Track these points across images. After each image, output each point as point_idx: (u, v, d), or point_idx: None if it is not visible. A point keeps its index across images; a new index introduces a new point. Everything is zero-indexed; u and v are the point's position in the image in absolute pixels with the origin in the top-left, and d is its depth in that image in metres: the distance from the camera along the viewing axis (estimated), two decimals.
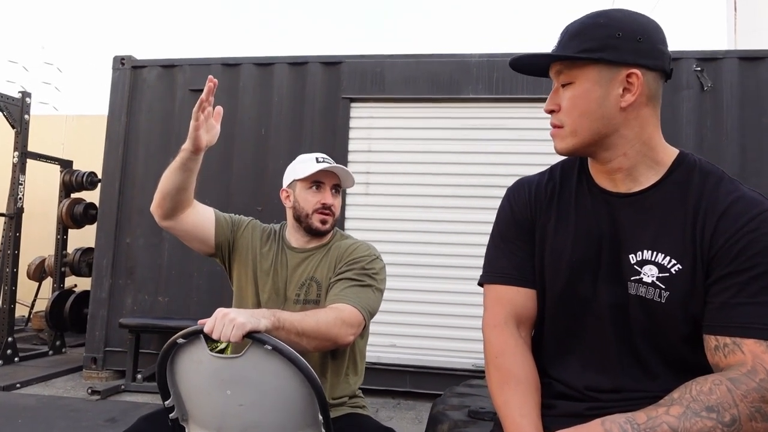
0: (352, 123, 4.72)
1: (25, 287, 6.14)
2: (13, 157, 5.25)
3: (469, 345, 4.29)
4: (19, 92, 5.34)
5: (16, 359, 5.18)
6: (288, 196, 1.77)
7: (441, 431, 1.66)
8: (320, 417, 1.30)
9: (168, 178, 1.58)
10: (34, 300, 6.42)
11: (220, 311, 1.26)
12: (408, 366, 4.43)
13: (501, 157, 4.49)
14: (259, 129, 4.82)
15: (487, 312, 1.16)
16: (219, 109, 1.59)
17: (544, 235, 1.13)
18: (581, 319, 1.09)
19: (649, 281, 1.01)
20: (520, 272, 1.14)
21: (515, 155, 4.45)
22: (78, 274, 5.84)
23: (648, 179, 1.05)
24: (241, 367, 1.29)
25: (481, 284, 1.20)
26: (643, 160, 1.04)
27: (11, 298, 5.20)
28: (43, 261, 6.27)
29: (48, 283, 6.20)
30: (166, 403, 1.40)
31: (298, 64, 4.82)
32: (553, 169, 1.19)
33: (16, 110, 5.25)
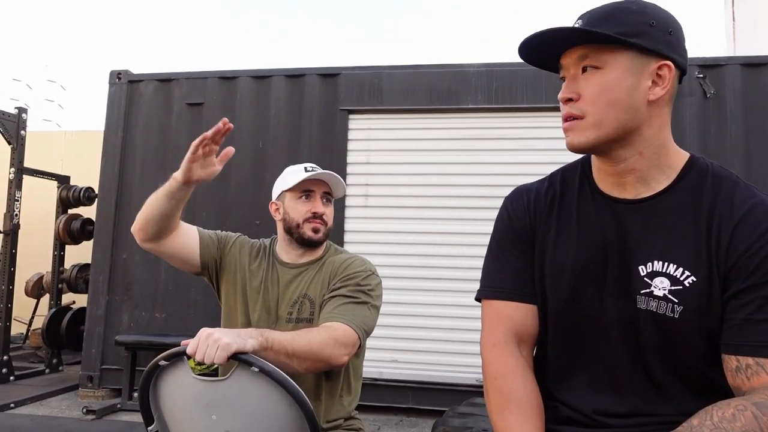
0: (351, 135, 4.67)
1: (23, 304, 6.07)
2: (9, 173, 5.21)
3: (472, 359, 4.19)
4: (15, 108, 5.31)
5: (11, 378, 5.09)
6: (277, 209, 1.70)
7: None
8: None
9: (153, 204, 1.51)
10: (32, 317, 6.35)
11: (204, 331, 1.19)
12: (410, 382, 4.33)
13: (502, 168, 4.43)
14: (257, 142, 4.77)
15: (485, 330, 1.08)
16: (229, 150, 1.47)
17: (544, 245, 1.06)
18: (587, 337, 1.01)
19: (661, 294, 0.93)
20: (519, 286, 1.07)
21: (516, 165, 4.39)
22: (75, 290, 5.77)
23: (659, 184, 0.98)
24: (226, 391, 1.21)
25: (478, 299, 1.13)
26: (657, 162, 0.97)
27: (6, 316, 5.13)
28: (41, 277, 6.21)
29: (47, 299, 6.13)
30: (150, 428, 1.33)
31: (295, 76, 4.79)
32: (552, 176, 1.12)
33: (12, 126, 5.22)
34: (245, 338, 1.20)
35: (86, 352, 4.77)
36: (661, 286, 0.94)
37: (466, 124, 4.55)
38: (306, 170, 1.65)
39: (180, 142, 4.86)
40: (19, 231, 5.26)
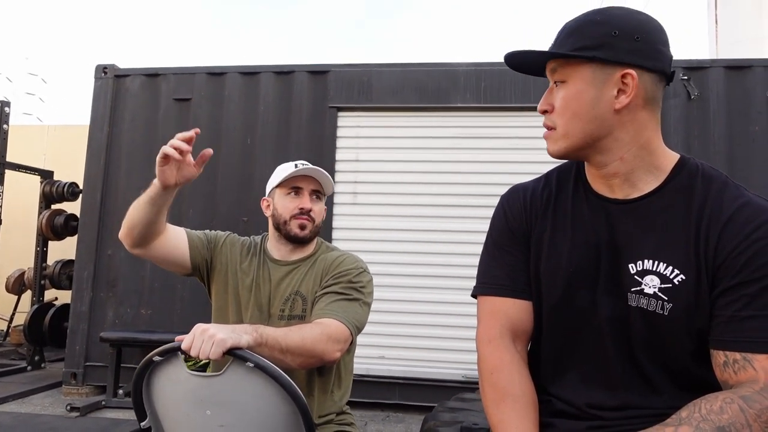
0: (340, 132, 4.67)
1: (4, 301, 5.98)
2: None
3: (458, 356, 4.24)
4: None
5: None
6: (268, 206, 1.71)
7: None
8: None
9: (137, 210, 1.49)
10: (13, 314, 6.26)
11: (198, 327, 1.20)
12: (397, 378, 4.37)
13: (489, 166, 4.46)
14: (245, 138, 4.75)
15: (481, 325, 1.10)
16: (207, 151, 1.46)
17: (540, 244, 1.08)
18: (580, 333, 1.03)
19: (651, 292, 0.96)
20: (514, 282, 1.09)
21: (504, 164, 4.43)
22: (58, 287, 5.69)
23: (648, 185, 1.00)
24: (221, 386, 1.21)
25: (474, 296, 1.15)
26: (642, 164, 0.99)
27: None
28: (23, 274, 6.12)
29: (28, 296, 6.04)
30: (143, 424, 1.33)
31: (284, 73, 4.77)
32: (549, 175, 1.14)
33: None
34: (240, 334, 1.21)
35: (70, 349, 4.71)
36: (651, 284, 0.96)
37: (454, 122, 4.58)
38: (296, 167, 1.66)
39: (167, 138, 4.71)
40: (1, 227, 5.18)
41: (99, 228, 4.79)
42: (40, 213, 5.77)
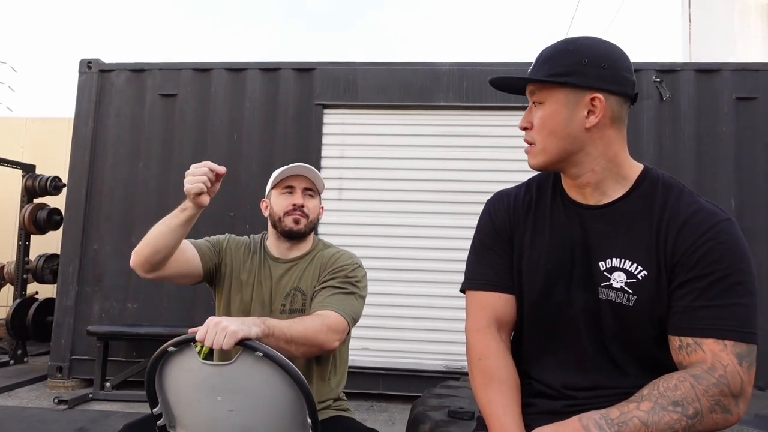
0: (325, 129, 4.76)
1: None
2: None
3: (440, 347, 4.37)
4: None
5: None
6: (267, 207, 1.82)
7: (423, 431, 1.72)
8: (309, 420, 1.34)
9: (165, 235, 1.52)
10: None
11: (212, 320, 1.30)
12: (381, 369, 4.49)
13: (471, 164, 4.60)
14: (231, 135, 4.81)
15: (469, 317, 1.23)
16: (222, 169, 1.57)
17: (522, 244, 1.21)
18: (557, 323, 1.17)
19: (618, 287, 1.09)
20: (499, 278, 1.22)
21: (485, 161, 4.57)
22: (41, 281, 5.69)
23: (615, 192, 1.14)
24: (232, 374, 1.32)
25: (463, 291, 1.27)
26: (610, 175, 1.13)
27: None
28: (2, 268, 6.08)
29: (7, 290, 6.01)
30: (154, 410, 1.43)
31: (270, 70, 4.84)
32: (530, 182, 1.28)
33: None
34: (249, 326, 1.32)
35: (55, 342, 4.73)
36: (618, 280, 1.10)
37: (437, 120, 4.71)
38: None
39: (153, 133, 4.85)
40: None
41: (84, 223, 4.80)
42: (22, 207, 5.74)
